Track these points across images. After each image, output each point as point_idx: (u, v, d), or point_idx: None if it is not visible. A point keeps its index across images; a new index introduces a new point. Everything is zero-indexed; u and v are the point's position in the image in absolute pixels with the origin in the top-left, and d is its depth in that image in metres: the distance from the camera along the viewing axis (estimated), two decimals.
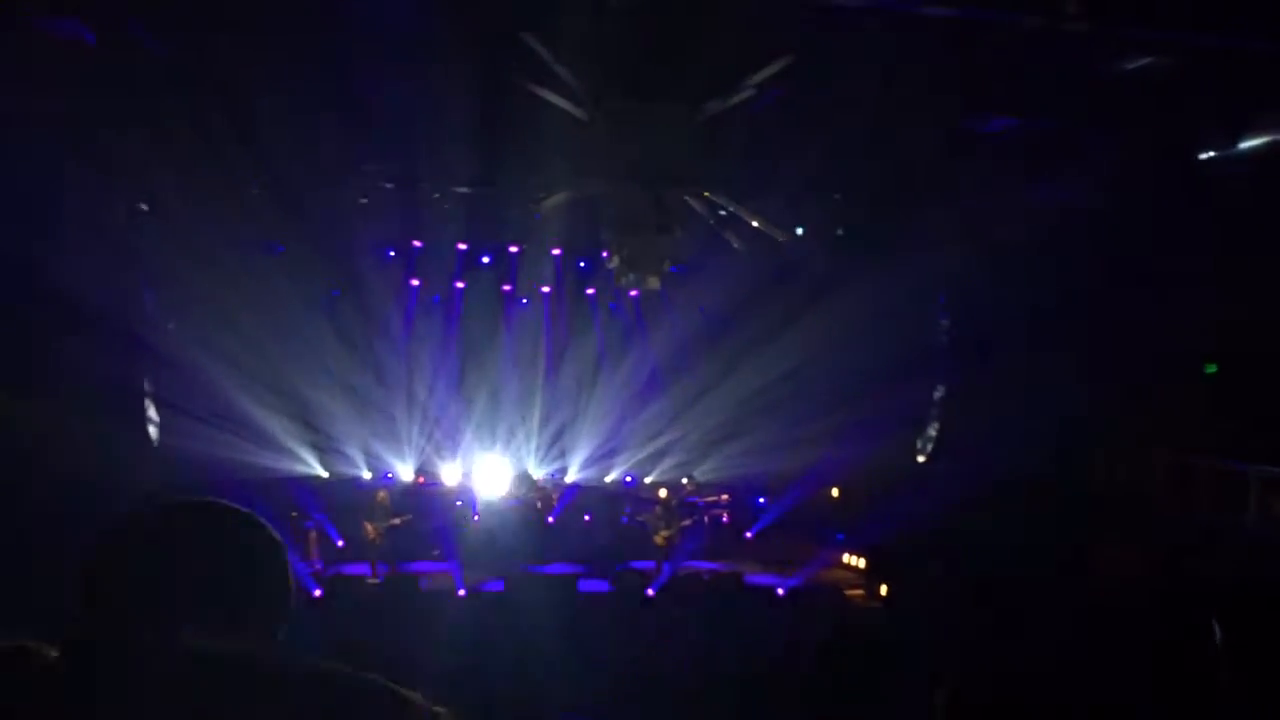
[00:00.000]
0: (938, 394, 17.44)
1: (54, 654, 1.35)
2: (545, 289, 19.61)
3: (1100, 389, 13.35)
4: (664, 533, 15.63)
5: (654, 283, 10.47)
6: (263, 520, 1.56)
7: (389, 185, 15.01)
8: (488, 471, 18.99)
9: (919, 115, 11.02)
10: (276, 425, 17.15)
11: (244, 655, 1.32)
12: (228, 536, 1.50)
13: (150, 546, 1.44)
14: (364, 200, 15.41)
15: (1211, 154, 11.12)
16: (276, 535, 1.56)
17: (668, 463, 19.61)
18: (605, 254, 11.42)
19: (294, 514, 15.44)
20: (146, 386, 15.81)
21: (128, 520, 1.46)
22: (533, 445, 19.84)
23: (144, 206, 15.04)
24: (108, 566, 1.42)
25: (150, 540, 1.45)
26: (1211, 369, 13.67)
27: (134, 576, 1.41)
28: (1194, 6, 8.46)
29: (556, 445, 19.98)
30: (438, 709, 1.39)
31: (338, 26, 10.01)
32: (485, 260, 18.59)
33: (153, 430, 15.97)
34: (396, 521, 15.20)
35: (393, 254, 18.11)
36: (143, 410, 15.84)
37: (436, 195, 15.37)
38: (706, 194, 10.22)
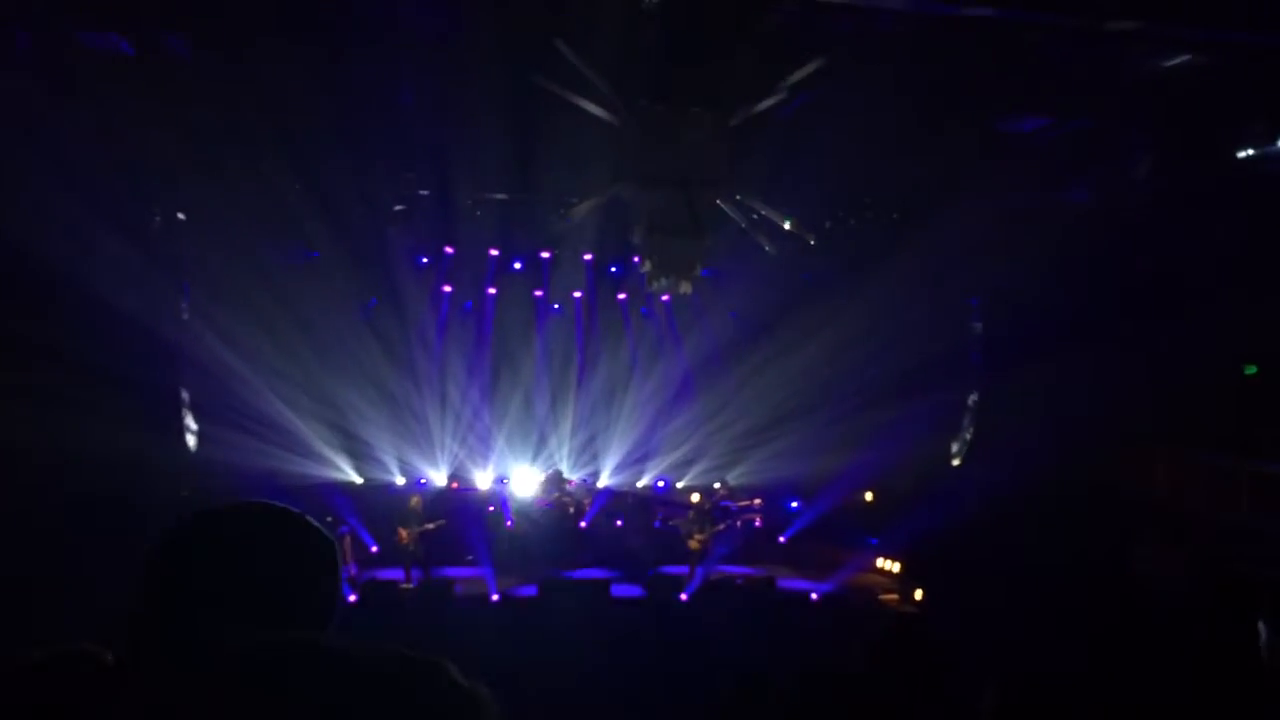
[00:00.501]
0: (972, 397, 17.31)
1: (110, 657, 1.38)
2: (577, 294, 19.63)
3: (1137, 391, 13.20)
4: (697, 537, 15.60)
5: (685, 287, 10.47)
6: (314, 522, 1.59)
7: (423, 192, 15.10)
8: (520, 477, 19.06)
9: (953, 117, 10.96)
10: (311, 431, 17.28)
11: (307, 641, 1.33)
12: (283, 537, 1.53)
13: (210, 548, 1.47)
14: (400, 207, 15.52)
15: (1250, 152, 10.98)
16: (328, 536, 1.58)
17: (700, 467, 19.57)
18: (637, 259, 11.44)
19: (328, 519, 15.55)
20: (183, 394, 15.98)
21: (188, 522, 1.49)
22: (565, 450, 19.87)
23: (181, 215, 15.21)
24: (169, 568, 1.45)
25: (210, 542, 1.47)
26: (1251, 370, 13.48)
27: (195, 577, 1.43)
28: (1231, 4, 8.36)
29: (589, 450, 19.99)
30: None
31: (372, 35, 10.11)
32: (517, 266, 18.65)
33: (190, 439, 16.14)
34: (430, 526, 15.26)
35: (425, 261, 18.20)
36: (180, 419, 16.01)
37: (469, 202, 15.45)
38: (738, 197, 10.21)
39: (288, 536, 1.54)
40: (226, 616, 1.40)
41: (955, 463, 17.81)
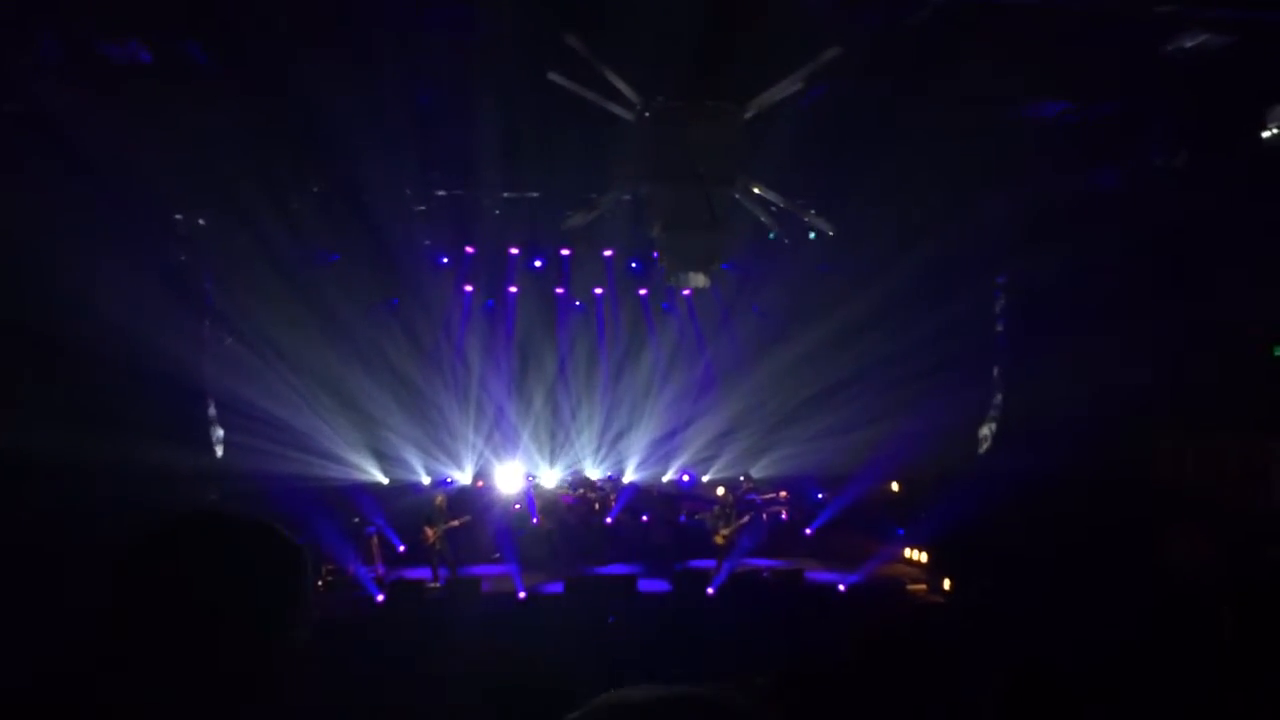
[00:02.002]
0: (998, 384, 17.20)
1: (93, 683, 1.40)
2: (598, 291, 19.65)
3: (1165, 376, 13.08)
4: (723, 531, 15.59)
5: (705, 281, 10.44)
6: (277, 528, 1.60)
7: (442, 192, 15.14)
8: (545, 475, 19.12)
9: (975, 103, 10.88)
10: (336, 433, 17.39)
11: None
12: (239, 549, 1.54)
13: (167, 566, 1.49)
14: (421, 208, 15.59)
15: (1275, 132, 10.84)
16: (290, 541, 1.59)
17: (725, 460, 19.55)
18: (656, 254, 11.42)
19: (355, 520, 15.64)
20: (209, 401, 16.11)
21: (144, 542, 1.51)
22: (589, 446, 19.90)
23: (201, 221, 15.33)
24: (130, 592, 1.47)
25: (167, 561, 1.49)
26: (1279, 352, 13.32)
27: (155, 598, 1.45)
28: None
29: (613, 446, 20.01)
30: None
31: (389, 36, 10.13)
32: (537, 264, 18.69)
33: (217, 445, 16.27)
34: (456, 523, 15.31)
35: (446, 261, 18.26)
36: (206, 425, 16.13)
37: (488, 201, 15.49)
38: (756, 190, 10.17)
39: (244, 547, 1.56)
40: (190, 634, 1.43)
41: (982, 451, 17.70)
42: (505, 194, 15.25)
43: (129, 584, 1.46)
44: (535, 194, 15.26)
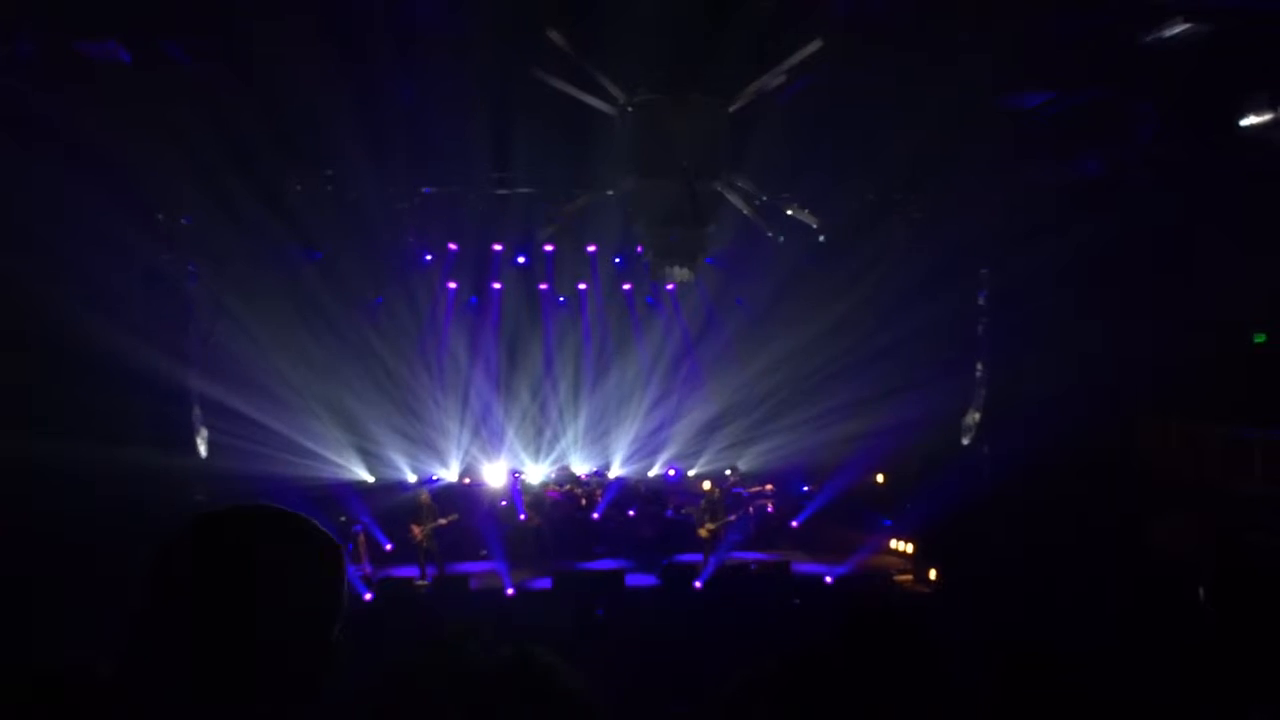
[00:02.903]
0: (981, 373, 17.27)
1: (103, 672, 1.38)
2: (582, 286, 19.65)
3: (1147, 363, 13.16)
4: (709, 525, 15.61)
5: (689, 275, 10.46)
6: (316, 523, 1.59)
7: (424, 189, 15.11)
8: (531, 471, 19.13)
9: (954, 94, 10.91)
10: (321, 432, 17.34)
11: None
12: (283, 542, 1.52)
13: (214, 553, 1.46)
14: (404, 205, 15.55)
15: (1254, 120, 10.91)
16: (330, 537, 1.58)
17: (710, 455, 19.59)
18: (640, 249, 11.44)
19: (342, 519, 15.60)
20: (194, 400, 16.02)
21: (191, 527, 1.49)
22: (575, 442, 19.91)
23: (184, 220, 15.24)
24: (173, 575, 1.45)
25: (214, 547, 1.47)
26: (1260, 338, 13.42)
27: (199, 584, 1.43)
28: None
29: (599, 441, 20.03)
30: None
31: (371, 33, 10.09)
32: (521, 260, 18.66)
33: (201, 444, 16.18)
34: (443, 521, 15.29)
35: (429, 258, 18.23)
36: (191, 424, 16.04)
37: (471, 197, 15.45)
38: (739, 184, 10.19)
39: (287, 540, 1.54)
40: (232, 623, 1.41)
41: (966, 440, 17.77)
42: (488, 190, 15.22)
43: (163, 582, 1.44)
44: (518, 190, 15.23)
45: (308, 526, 1.56)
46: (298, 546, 1.53)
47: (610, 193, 10.42)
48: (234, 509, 1.53)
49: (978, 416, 17.32)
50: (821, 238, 15.27)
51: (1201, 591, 2.60)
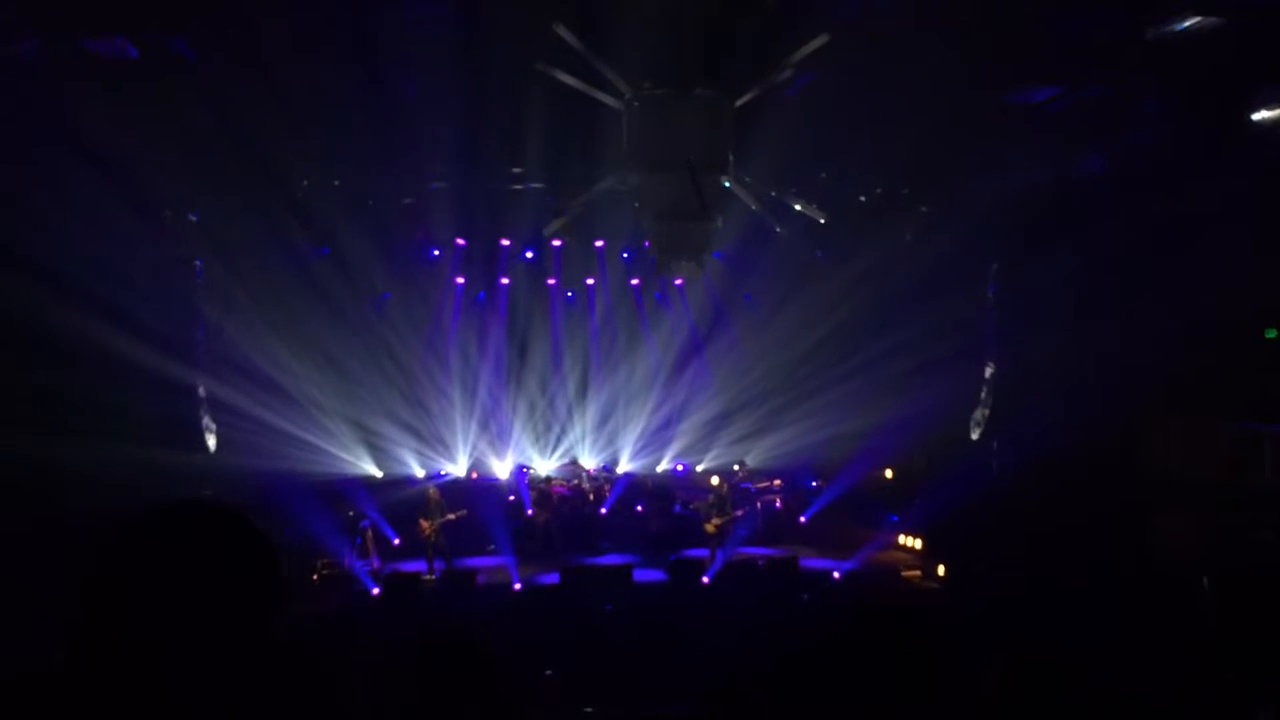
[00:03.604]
0: (989, 369, 17.24)
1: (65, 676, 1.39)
2: (590, 281, 19.65)
3: (1156, 358, 13.12)
4: (717, 520, 15.60)
5: (696, 270, 10.44)
6: (249, 519, 1.59)
7: (431, 185, 15.12)
8: (538, 466, 19.15)
9: (961, 90, 10.88)
10: (329, 427, 17.38)
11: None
12: (211, 539, 1.52)
13: (137, 556, 1.47)
14: (410, 201, 15.57)
15: (1264, 114, 10.86)
16: (262, 533, 1.58)
17: (718, 450, 19.59)
18: (647, 244, 11.41)
19: (350, 513, 15.64)
20: (201, 396, 16.07)
21: (117, 530, 1.49)
22: (583, 437, 19.92)
23: (192, 217, 15.27)
24: (104, 578, 1.45)
25: (142, 550, 1.48)
26: (1271, 334, 13.37)
27: (125, 588, 1.44)
28: None
29: (607, 437, 20.03)
30: None
31: (379, 30, 10.10)
32: (529, 255, 18.67)
33: (210, 439, 16.24)
34: (452, 517, 15.31)
35: (437, 253, 18.25)
36: (199, 420, 16.09)
37: (477, 193, 15.46)
38: (746, 179, 10.16)
39: (221, 535, 1.54)
40: (164, 622, 1.42)
41: (975, 437, 17.75)
42: (495, 185, 15.22)
43: (95, 582, 1.44)
44: (526, 185, 15.23)
45: (238, 522, 1.57)
46: (227, 542, 1.53)
47: (617, 187, 10.41)
48: (162, 507, 1.53)
49: (986, 412, 17.29)
50: (829, 233, 15.23)
51: (1206, 582, 2.59)
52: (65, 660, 1.41)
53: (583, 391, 20.05)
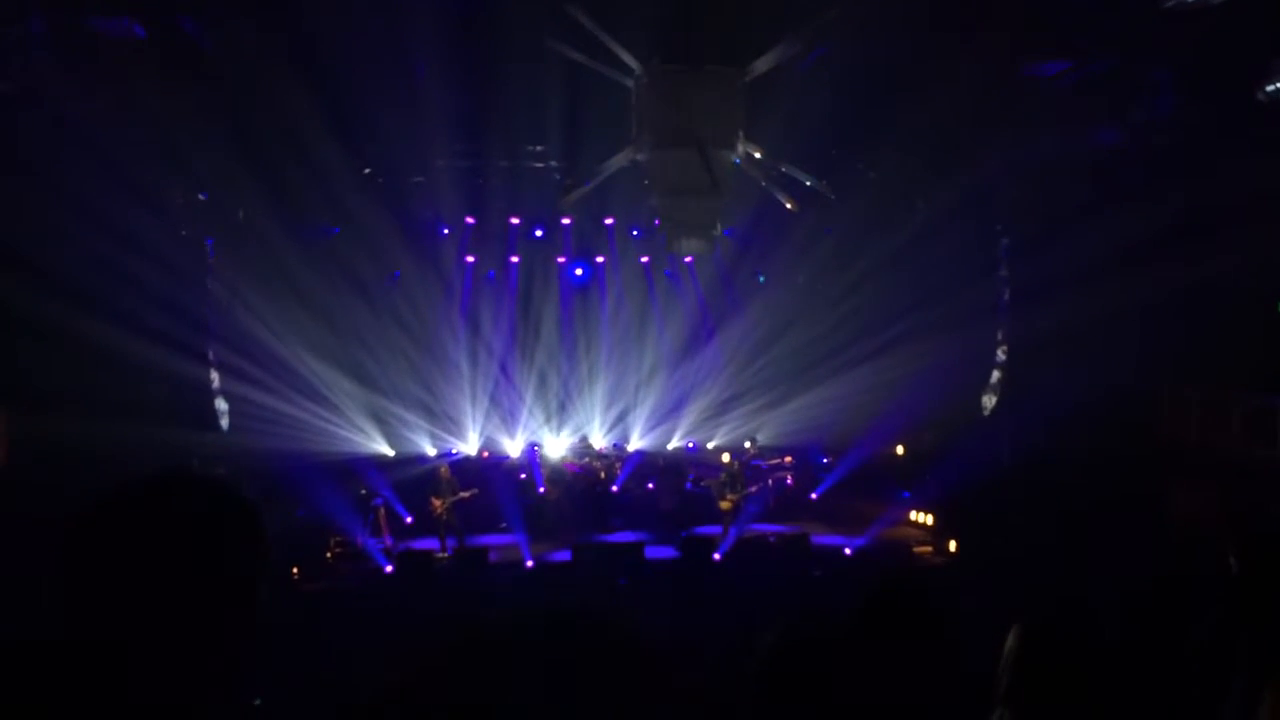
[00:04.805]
0: (1001, 344, 17.18)
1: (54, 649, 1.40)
2: (600, 259, 19.62)
3: (1168, 332, 13.06)
4: (729, 497, 15.61)
5: (707, 247, 10.43)
6: (230, 486, 1.58)
7: (440, 163, 15.09)
8: (550, 443, 19.20)
9: (974, 64, 10.80)
10: (341, 406, 17.44)
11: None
12: (194, 508, 1.52)
13: (119, 533, 1.47)
14: (420, 179, 15.55)
15: (1277, 86, 10.75)
16: (245, 499, 1.58)
17: (729, 427, 19.59)
18: (657, 221, 11.39)
19: (362, 492, 15.69)
20: (213, 376, 16.13)
21: (96, 505, 1.49)
22: (594, 415, 19.94)
23: (202, 196, 15.28)
24: (80, 559, 1.46)
25: (118, 527, 1.48)
26: None
27: (108, 565, 1.44)
28: None
29: (618, 414, 20.05)
30: None
31: (388, 6, 10.06)
32: (539, 233, 18.64)
33: (222, 419, 16.30)
34: (465, 495, 15.35)
35: (447, 231, 18.24)
36: (211, 400, 16.16)
37: (487, 171, 15.44)
38: (757, 155, 10.12)
39: (204, 503, 1.54)
40: (148, 592, 1.43)
41: (986, 412, 17.71)
42: (505, 163, 15.18)
43: (76, 552, 1.45)
44: (536, 163, 15.20)
45: (220, 490, 1.57)
46: (210, 510, 1.53)
47: (626, 165, 10.39)
48: (144, 478, 1.53)
49: (999, 386, 17.26)
50: (840, 210, 15.17)
51: (1233, 561, 2.58)
52: (46, 629, 1.41)
53: (593, 369, 20.07)
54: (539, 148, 14.70)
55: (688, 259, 18.79)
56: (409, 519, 16.06)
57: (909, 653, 2.40)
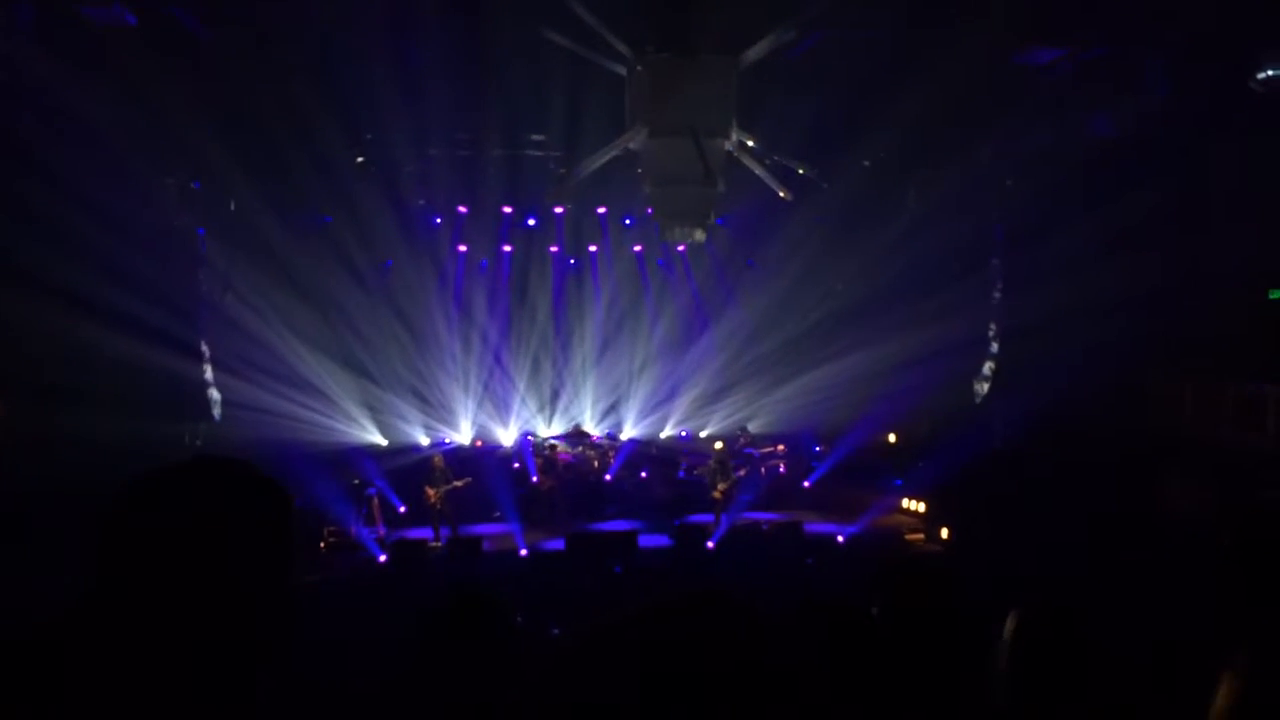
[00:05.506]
0: (994, 332, 17.21)
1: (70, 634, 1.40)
2: (593, 248, 19.61)
3: (1161, 320, 13.09)
4: (721, 485, 15.64)
5: (699, 236, 10.42)
6: (257, 470, 1.58)
7: (433, 151, 15.05)
8: (542, 432, 19.21)
9: (967, 52, 10.80)
10: (334, 396, 17.42)
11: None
12: (225, 491, 1.52)
13: (156, 512, 1.47)
14: (411, 168, 15.51)
15: (1270, 73, 10.76)
16: (274, 482, 1.58)
17: (721, 415, 19.62)
18: (650, 210, 11.37)
19: (356, 481, 15.69)
20: (205, 365, 16.09)
21: (129, 490, 1.49)
22: (587, 404, 19.95)
23: (195, 185, 15.23)
24: (116, 539, 1.45)
25: (156, 506, 1.48)
26: (1276, 294, 13.31)
27: (145, 544, 1.44)
28: None
29: (610, 403, 20.06)
30: None
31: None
32: (531, 222, 18.62)
33: (215, 410, 16.27)
34: (458, 484, 15.35)
35: (439, 220, 18.20)
36: (204, 390, 16.13)
37: (480, 160, 15.39)
38: (750, 144, 10.11)
39: (234, 486, 1.54)
40: (184, 576, 1.42)
41: (979, 400, 17.75)
42: (498, 152, 15.15)
43: (112, 537, 1.45)
44: (528, 152, 15.16)
45: (250, 473, 1.57)
46: (240, 494, 1.53)
47: (619, 153, 10.37)
48: (175, 464, 1.53)
49: (990, 375, 17.29)
50: (833, 199, 15.15)
51: (1224, 546, 2.59)
52: (79, 610, 1.41)
53: (586, 358, 20.06)
54: (532, 136, 14.66)
55: (681, 248, 18.80)
56: (402, 508, 16.08)
57: (920, 632, 2.42)
